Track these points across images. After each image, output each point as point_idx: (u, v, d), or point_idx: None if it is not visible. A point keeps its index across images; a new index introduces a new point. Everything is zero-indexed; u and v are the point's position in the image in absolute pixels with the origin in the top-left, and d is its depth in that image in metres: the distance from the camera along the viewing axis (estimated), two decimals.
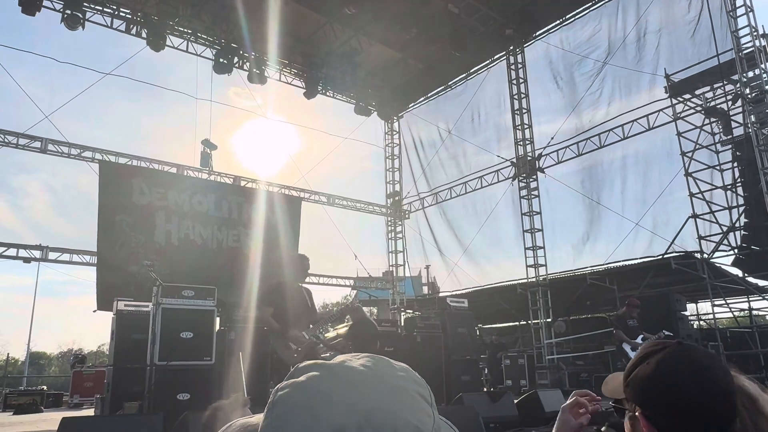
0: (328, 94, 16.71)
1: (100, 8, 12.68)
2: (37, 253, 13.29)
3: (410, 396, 0.60)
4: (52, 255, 13.49)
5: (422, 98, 18.29)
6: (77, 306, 74.88)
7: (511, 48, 15.34)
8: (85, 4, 12.14)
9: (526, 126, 15.10)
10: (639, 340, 8.27)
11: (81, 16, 11.94)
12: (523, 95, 15.18)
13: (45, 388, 14.27)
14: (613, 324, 9.01)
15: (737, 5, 11.04)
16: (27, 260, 13.31)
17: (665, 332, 8.30)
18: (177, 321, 6.96)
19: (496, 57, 15.97)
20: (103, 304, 11.56)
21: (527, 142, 15.03)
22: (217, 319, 7.82)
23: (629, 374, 1.06)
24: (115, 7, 12.85)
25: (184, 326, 6.97)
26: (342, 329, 10.05)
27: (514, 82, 15.27)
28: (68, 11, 11.76)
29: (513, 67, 15.37)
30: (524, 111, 15.13)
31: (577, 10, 14.10)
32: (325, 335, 6.04)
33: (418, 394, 0.61)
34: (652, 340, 1.14)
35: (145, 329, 7.41)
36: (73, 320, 78.39)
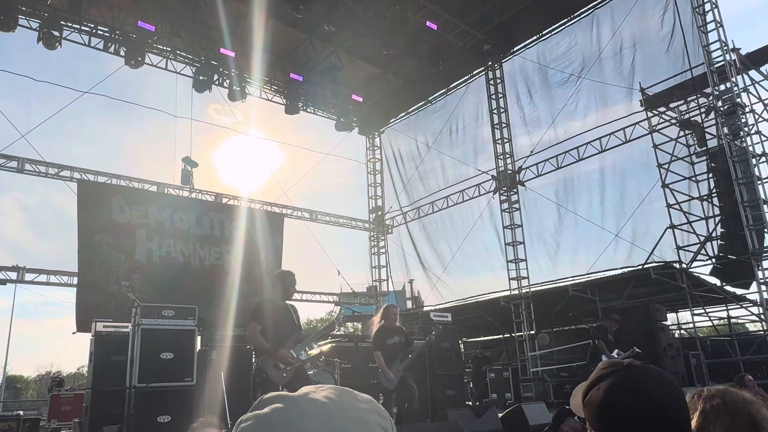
0: (309, 110, 16.74)
1: (78, 27, 12.61)
2: (12, 275, 13.04)
3: (371, 428, 0.61)
4: (28, 276, 13.24)
5: (403, 113, 18.42)
6: (55, 327, 73.37)
7: (490, 63, 15.55)
8: (62, 23, 12.05)
9: (506, 140, 15.26)
10: (615, 354, 8.41)
11: (58, 34, 11.85)
12: (502, 110, 15.36)
13: (21, 413, 13.87)
14: (595, 335, 9.09)
15: (707, 21, 11.33)
16: (2, 282, 13.05)
17: (636, 349, 8.37)
18: (157, 341, 6.85)
19: (475, 72, 16.18)
20: (83, 325, 11.36)
21: (507, 155, 15.18)
22: (198, 339, 7.72)
23: (585, 396, 1.09)
24: (92, 26, 12.79)
25: (164, 347, 6.86)
26: (326, 346, 9.98)
27: (493, 96, 15.45)
28: (45, 30, 11.67)
29: (492, 82, 15.56)
30: (504, 125, 15.29)
31: (554, 26, 14.36)
32: (310, 352, 5.96)
33: (379, 426, 0.62)
34: (607, 360, 1.15)
35: (125, 350, 7.27)
36: (51, 342, 76.77)
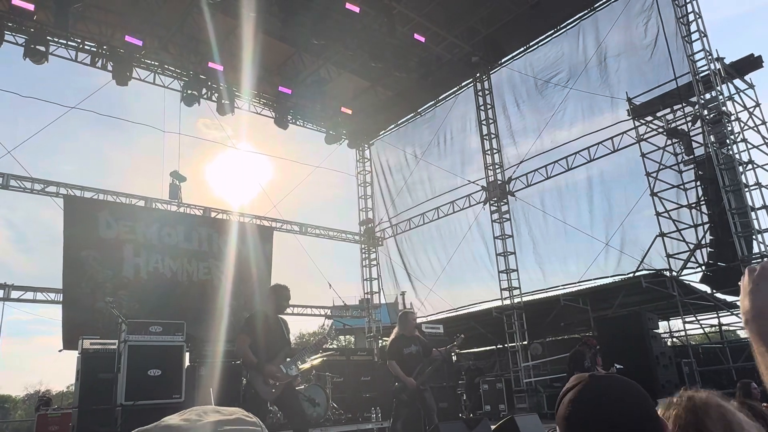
0: (298, 123, 16.73)
1: (64, 42, 12.57)
2: None
3: None
4: (15, 293, 13.05)
5: (392, 126, 18.46)
6: (44, 345, 72.40)
7: (478, 75, 15.64)
8: (48, 38, 12.00)
9: (495, 151, 15.32)
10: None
11: (45, 49, 11.79)
12: (491, 120, 15.43)
13: None
14: (571, 366, 9.06)
15: (691, 30, 11.47)
16: None
17: (617, 366, 8.35)
18: (144, 358, 6.77)
19: (463, 84, 16.26)
20: (70, 343, 11.20)
21: (497, 166, 15.23)
22: (187, 355, 7.62)
23: (556, 410, 1.10)
24: (79, 41, 12.74)
25: (152, 363, 6.78)
26: (318, 360, 9.88)
27: (482, 107, 15.53)
28: (31, 45, 11.61)
29: (480, 93, 15.65)
30: (493, 136, 15.36)
31: (541, 37, 14.49)
32: (301, 367, 5.87)
33: None
34: (576, 375, 1.15)
35: (112, 368, 7.17)
36: (40, 361, 75.70)
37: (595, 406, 1.01)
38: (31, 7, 10.71)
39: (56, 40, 12.39)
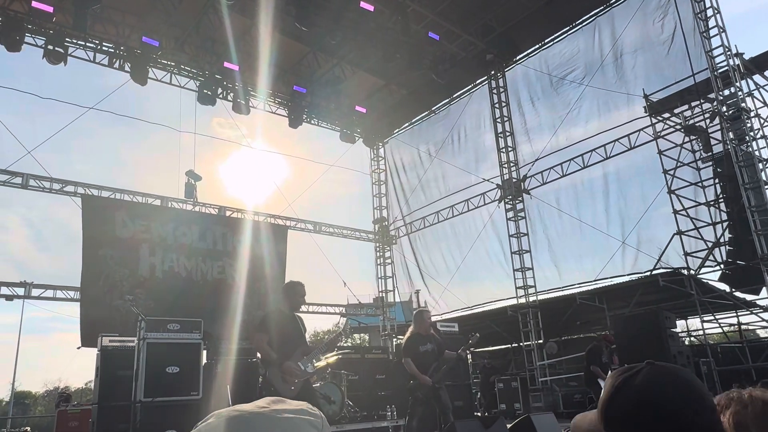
0: (312, 122, 16.77)
1: (83, 43, 12.73)
2: (20, 291, 13.04)
3: (300, 425, 0.70)
4: (35, 291, 13.24)
5: (407, 124, 18.44)
6: (63, 343, 73.33)
7: (493, 72, 15.56)
8: (67, 39, 12.16)
9: (510, 148, 15.24)
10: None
11: (63, 51, 11.95)
12: (506, 118, 15.35)
13: (29, 429, 13.86)
14: (589, 360, 9.01)
15: (710, 26, 11.30)
16: (9, 298, 13.06)
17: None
18: (162, 355, 6.84)
19: (478, 82, 16.19)
20: (88, 340, 11.35)
21: (512, 164, 15.15)
22: (204, 352, 7.69)
23: (606, 409, 0.98)
24: (97, 42, 12.89)
25: (170, 360, 6.85)
26: (333, 358, 9.91)
27: (497, 105, 15.45)
28: (50, 47, 11.78)
29: (495, 91, 15.56)
30: (508, 134, 15.28)
31: (556, 34, 14.38)
32: (317, 365, 5.88)
33: (308, 424, 0.71)
34: (618, 369, 1.06)
35: (131, 365, 7.26)
36: (59, 357, 76.71)
37: (670, 388, 0.92)
38: (50, 9, 10.87)
39: (74, 41, 12.55)
